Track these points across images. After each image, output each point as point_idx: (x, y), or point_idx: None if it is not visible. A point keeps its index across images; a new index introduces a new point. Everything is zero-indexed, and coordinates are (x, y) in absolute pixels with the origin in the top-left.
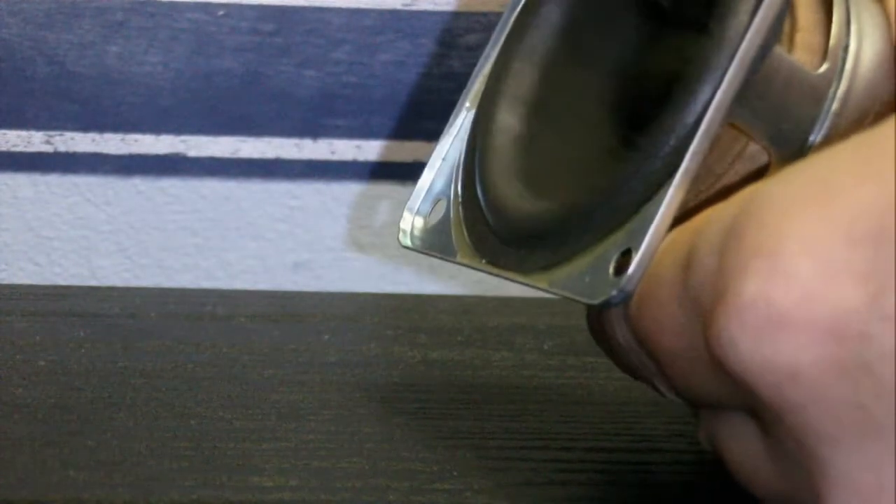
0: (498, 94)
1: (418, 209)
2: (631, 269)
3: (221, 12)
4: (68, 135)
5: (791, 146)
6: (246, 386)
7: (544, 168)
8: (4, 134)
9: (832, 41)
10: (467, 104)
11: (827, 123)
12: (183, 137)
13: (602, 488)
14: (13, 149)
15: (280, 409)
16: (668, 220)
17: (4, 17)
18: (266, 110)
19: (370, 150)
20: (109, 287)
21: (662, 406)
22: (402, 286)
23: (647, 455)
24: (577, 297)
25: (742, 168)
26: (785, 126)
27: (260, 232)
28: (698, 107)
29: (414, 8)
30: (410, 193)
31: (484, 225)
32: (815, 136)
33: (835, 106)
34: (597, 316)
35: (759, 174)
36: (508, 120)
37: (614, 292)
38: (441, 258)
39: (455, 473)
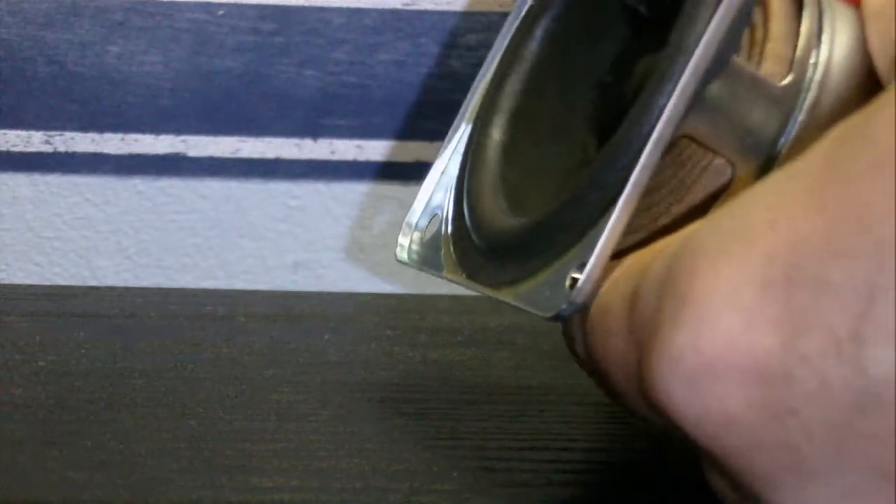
0: (491, 111)
1: (416, 224)
2: (580, 282)
3: (221, 12)
4: (68, 135)
5: (756, 158)
6: (246, 386)
7: (527, 182)
8: (4, 134)
9: (798, 52)
10: (466, 118)
11: (793, 135)
12: (183, 137)
13: (602, 489)
14: (13, 149)
15: (280, 410)
16: (618, 233)
17: (4, 17)
18: (266, 110)
19: (370, 150)
20: (109, 287)
21: None
22: (402, 286)
23: (648, 455)
24: (534, 310)
25: (710, 182)
26: (748, 138)
27: (260, 232)
28: (652, 118)
29: (414, 8)
30: (410, 194)
31: (468, 240)
32: (782, 149)
33: (801, 117)
34: (565, 330)
35: (726, 188)
36: (499, 136)
37: (564, 305)
38: (430, 273)
39: (455, 474)
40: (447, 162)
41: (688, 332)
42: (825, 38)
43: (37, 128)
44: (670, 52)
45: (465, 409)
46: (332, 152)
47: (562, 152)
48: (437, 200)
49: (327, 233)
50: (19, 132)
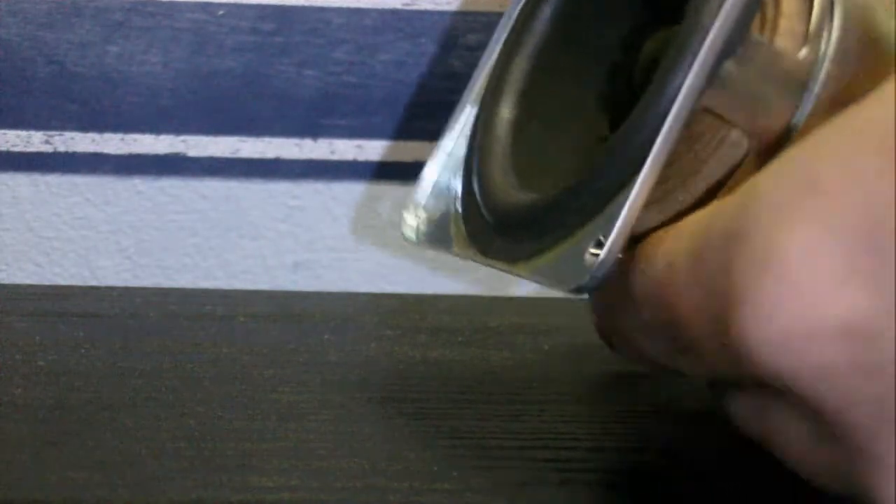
0: (499, 90)
1: (422, 203)
2: (602, 255)
3: (221, 12)
4: (68, 135)
5: (771, 132)
6: (246, 386)
7: (539, 159)
8: (4, 134)
9: (812, 27)
10: (471, 100)
11: (808, 110)
12: (183, 137)
13: (602, 488)
14: (13, 149)
15: (280, 409)
16: (638, 207)
17: (4, 17)
18: (266, 110)
19: (370, 150)
20: (109, 287)
21: (664, 406)
22: (402, 286)
23: (648, 455)
24: (552, 284)
25: (726, 155)
26: (763, 112)
27: (260, 232)
28: (671, 93)
29: (414, 8)
30: (411, 192)
31: (479, 216)
32: (798, 122)
33: (817, 90)
34: (619, 295)
35: (742, 161)
36: (507, 115)
37: (586, 279)
38: (439, 250)
39: (455, 473)
40: (453, 143)
41: (775, 293)
42: (837, 11)
43: (37, 128)
44: (687, 28)
45: (465, 409)
46: (332, 152)
47: (573, 130)
48: (444, 180)
49: (327, 233)
50: (19, 132)
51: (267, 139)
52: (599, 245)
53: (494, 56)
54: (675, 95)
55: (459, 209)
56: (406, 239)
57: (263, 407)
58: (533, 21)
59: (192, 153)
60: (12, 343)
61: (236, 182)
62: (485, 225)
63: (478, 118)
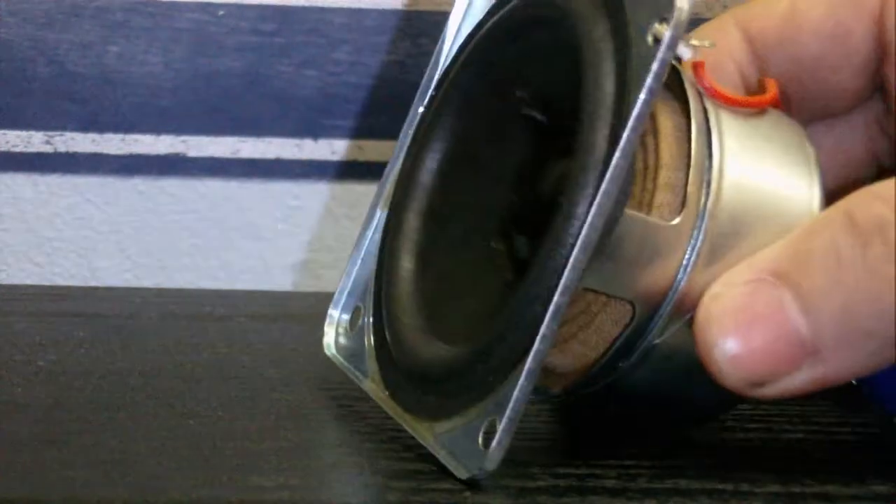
0: (404, 206)
1: (338, 318)
2: (493, 445)
3: (221, 12)
4: (68, 135)
5: (657, 292)
6: (246, 386)
7: (443, 292)
8: (4, 134)
9: (690, 180)
10: (381, 204)
11: (691, 264)
12: (183, 137)
13: (602, 488)
14: (13, 149)
15: (280, 409)
16: (529, 390)
17: (4, 17)
18: (266, 110)
19: (370, 150)
20: (109, 287)
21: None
22: None
23: (649, 455)
24: (450, 464)
25: (615, 312)
26: (645, 277)
27: (260, 232)
28: (552, 284)
29: (414, 8)
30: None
31: (387, 352)
32: (682, 276)
33: (698, 246)
34: None
35: (630, 321)
36: (412, 248)
37: (478, 470)
38: (353, 376)
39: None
40: (363, 253)
41: None
42: (715, 160)
43: (37, 128)
44: (564, 214)
45: None
46: (333, 152)
47: (474, 260)
48: (359, 290)
49: (327, 233)
50: (19, 132)
51: (267, 139)
52: (493, 426)
53: (399, 164)
54: (554, 288)
55: (372, 342)
56: (328, 354)
57: (263, 407)
58: (434, 137)
59: (192, 153)
60: (12, 343)
61: (236, 182)
62: (393, 364)
63: (384, 236)
